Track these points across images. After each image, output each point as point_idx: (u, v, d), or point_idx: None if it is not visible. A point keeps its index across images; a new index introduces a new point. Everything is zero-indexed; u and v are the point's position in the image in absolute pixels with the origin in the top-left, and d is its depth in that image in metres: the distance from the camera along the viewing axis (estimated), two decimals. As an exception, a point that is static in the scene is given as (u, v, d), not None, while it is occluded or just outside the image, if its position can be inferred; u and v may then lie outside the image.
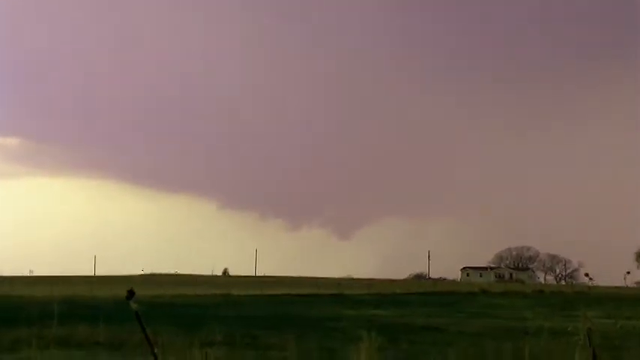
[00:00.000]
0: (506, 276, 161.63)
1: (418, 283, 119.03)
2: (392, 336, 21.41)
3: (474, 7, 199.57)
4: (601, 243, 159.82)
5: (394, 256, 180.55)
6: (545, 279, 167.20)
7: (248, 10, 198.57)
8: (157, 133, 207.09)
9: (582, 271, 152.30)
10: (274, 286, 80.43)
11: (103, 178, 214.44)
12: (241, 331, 22.07)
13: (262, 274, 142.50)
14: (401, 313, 40.19)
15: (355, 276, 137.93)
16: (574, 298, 62.00)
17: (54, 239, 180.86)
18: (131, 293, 5.79)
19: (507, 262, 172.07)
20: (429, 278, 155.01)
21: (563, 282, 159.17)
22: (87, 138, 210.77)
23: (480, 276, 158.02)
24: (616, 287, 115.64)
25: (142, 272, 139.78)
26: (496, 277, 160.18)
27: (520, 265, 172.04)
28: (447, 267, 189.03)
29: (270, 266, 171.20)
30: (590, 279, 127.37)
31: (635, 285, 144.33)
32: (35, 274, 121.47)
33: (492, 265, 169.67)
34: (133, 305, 5.77)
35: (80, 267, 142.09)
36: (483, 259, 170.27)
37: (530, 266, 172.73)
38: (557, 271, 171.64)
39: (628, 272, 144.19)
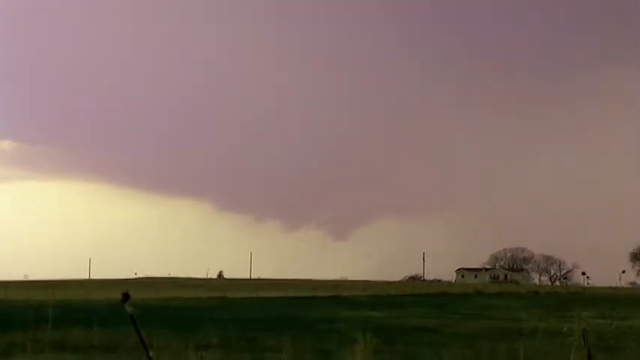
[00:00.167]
0: (501, 277, 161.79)
1: (413, 285, 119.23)
2: (387, 337, 21.42)
3: (475, 7, 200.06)
4: (595, 244, 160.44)
5: (390, 258, 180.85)
6: (539, 280, 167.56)
7: (247, 11, 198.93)
8: (153, 136, 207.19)
9: (577, 272, 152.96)
10: (270, 289, 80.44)
11: (98, 181, 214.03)
12: (237, 334, 22.04)
13: (258, 277, 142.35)
14: (396, 314, 40.23)
15: (351, 278, 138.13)
16: (569, 299, 62.15)
17: (49, 243, 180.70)
18: (126, 296, 5.79)
19: (502, 263, 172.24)
20: (424, 280, 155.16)
21: (557, 283, 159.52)
22: (82, 141, 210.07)
23: (475, 277, 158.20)
24: (611, 287, 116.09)
25: (137, 275, 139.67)
26: (491, 278, 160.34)
27: (515, 266, 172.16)
28: (442, 268, 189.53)
29: (266, 268, 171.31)
30: (587, 277, 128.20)
31: (629, 285, 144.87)
32: (30, 278, 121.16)
33: (487, 267, 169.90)
34: (128, 308, 5.77)
35: (75, 271, 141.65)
36: (478, 261, 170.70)
37: (525, 267, 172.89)
38: (552, 272, 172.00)
39: (623, 271, 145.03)
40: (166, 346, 16.45)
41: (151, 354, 6.09)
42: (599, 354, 13.12)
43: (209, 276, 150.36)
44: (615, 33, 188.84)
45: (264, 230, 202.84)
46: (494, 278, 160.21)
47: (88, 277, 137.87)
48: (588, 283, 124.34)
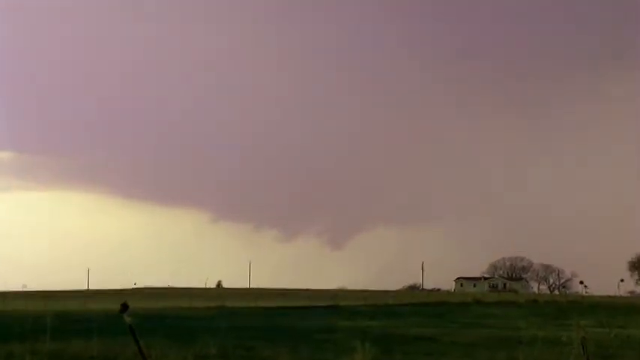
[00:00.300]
0: (500, 286, 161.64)
1: (412, 294, 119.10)
2: (386, 347, 21.39)
3: (475, 7, 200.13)
4: (594, 252, 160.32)
5: (388, 267, 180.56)
6: (538, 289, 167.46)
7: (247, 11, 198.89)
8: (152, 146, 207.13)
9: (575, 281, 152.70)
10: (268, 298, 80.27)
11: (96, 191, 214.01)
12: (235, 343, 22.01)
13: (256, 286, 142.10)
14: (395, 323, 40.15)
15: (349, 287, 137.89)
16: (567, 308, 62.04)
17: (47, 253, 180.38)
18: (125, 307, 5.80)
19: (501, 272, 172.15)
20: (423, 289, 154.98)
21: (556, 292, 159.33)
22: (81, 152, 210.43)
23: (474, 286, 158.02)
24: (609, 296, 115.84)
25: (136, 285, 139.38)
26: (490, 287, 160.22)
27: (514, 275, 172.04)
28: (441, 277, 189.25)
29: (264, 278, 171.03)
30: (585, 287, 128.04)
31: (628, 294, 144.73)
32: (29, 288, 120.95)
33: (486, 276, 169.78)
34: (127, 318, 5.78)
35: (74, 281, 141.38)
36: (477, 270, 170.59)
37: (524, 276, 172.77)
38: (551, 280, 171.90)
39: (622, 280, 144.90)
40: (165, 356, 16.42)
41: (149, 364, 6.09)
42: (598, 363, 13.11)
43: (207, 285, 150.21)
44: (615, 33, 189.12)
45: (263, 239, 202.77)
46: (493, 287, 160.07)
47: (86, 288, 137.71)
48: (587, 292, 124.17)
